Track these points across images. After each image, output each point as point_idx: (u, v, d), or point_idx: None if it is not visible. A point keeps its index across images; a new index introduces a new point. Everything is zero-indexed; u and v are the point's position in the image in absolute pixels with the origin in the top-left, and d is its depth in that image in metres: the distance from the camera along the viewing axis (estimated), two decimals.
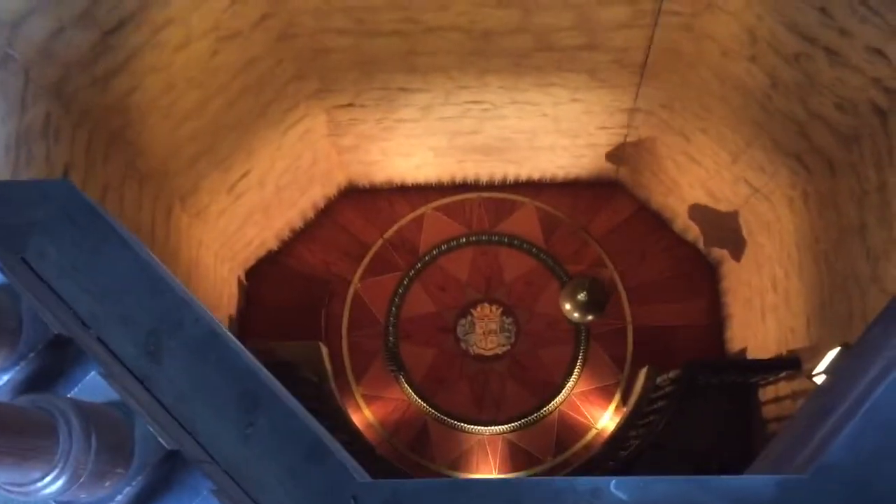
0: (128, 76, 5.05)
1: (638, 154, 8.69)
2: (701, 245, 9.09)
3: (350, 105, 7.64)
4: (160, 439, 1.75)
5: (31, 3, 3.95)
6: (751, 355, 8.00)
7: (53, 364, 1.77)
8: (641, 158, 8.73)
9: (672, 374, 7.58)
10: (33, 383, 1.74)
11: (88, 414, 1.59)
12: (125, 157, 5.60)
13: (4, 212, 1.97)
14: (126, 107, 5.27)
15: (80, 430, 1.52)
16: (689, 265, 9.25)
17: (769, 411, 7.51)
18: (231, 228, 7.97)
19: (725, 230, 8.37)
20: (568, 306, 8.15)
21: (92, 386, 1.77)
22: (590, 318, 8.42)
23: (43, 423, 1.50)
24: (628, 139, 8.46)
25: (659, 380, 7.82)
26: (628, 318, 9.08)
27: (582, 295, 7.72)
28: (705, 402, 7.71)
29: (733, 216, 8.07)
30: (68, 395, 1.73)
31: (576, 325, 8.98)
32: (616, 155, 8.89)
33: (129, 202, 5.77)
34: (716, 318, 9.03)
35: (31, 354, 1.75)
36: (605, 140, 8.56)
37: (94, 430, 1.56)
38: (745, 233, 8.09)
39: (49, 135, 4.53)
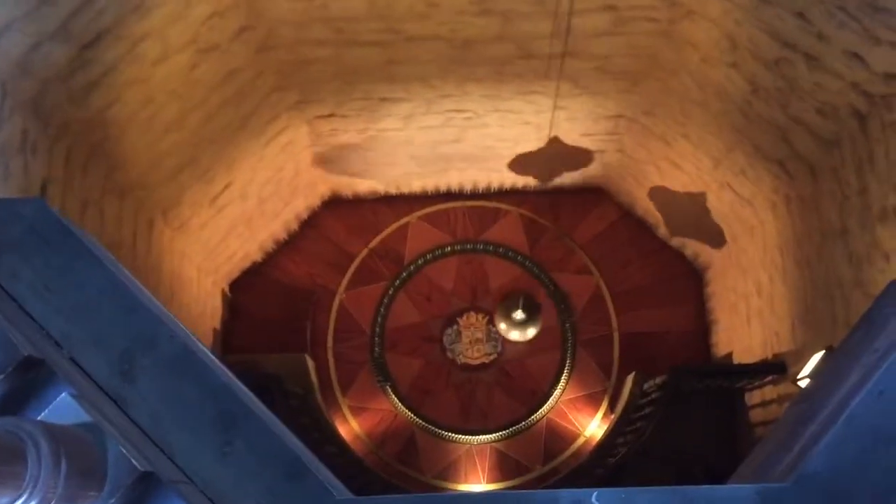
0: (106, 90, 5.01)
1: (621, 160, 8.71)
2: (687, 253, 9.12)
3: (331, 115, 7.63)
4: (133, 461, 1.72)
5: (7, 19, 3.92)
6: (737, 360, 8.03)
7: (23, 386, 1.74)
8: (625, 165, 8.75)
9: (658, 380, 7.59)
10: (2, 406, 1.71)
11: (58, 437, 1.56)
12: (105, 170, 5.56)
13: None
14: (105, 120, 5.23)
15: (49, 454, 1.49)
16: (674, 270, 9.27)
17: (756, 415, 7.53)
18: (214, 241, 7.92)
19: (709, 236, 8.40)
20: (504, 326, 8.03)
21: (63, 407, 1.74)
22: (531, 334, 8.30)
23: (11, 447, 1.47)
24: (612, 145, 8.48)
25: (646, 386, 7.83)
26: (614, 325, 9.09)
27: (517, 314, 7.60)
28: (692, 407, 7.72)
29: (718, 224, 8.09)
30: (38, 418, 1.70)
31: (562, 333, 8.98)
32: (600, 161, 8.91)
33: (109, 216, 5.72)
34: (701, 324, 9.06)
35: (1, 376, 1.71)
36: (589, 147, 8.58)
37: (64, 453, 1.53)
38: (728, 239, 8.12)
39: (27, 149, 4.49)
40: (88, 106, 4.97)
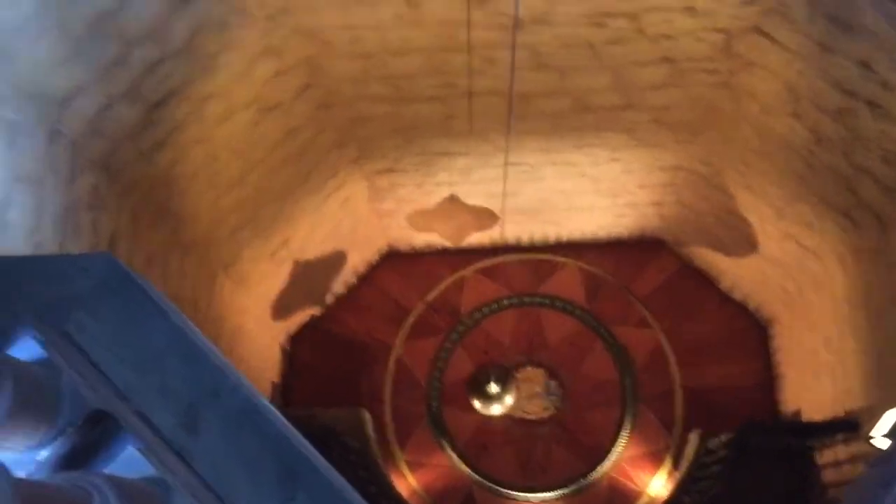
0: (172, 148, 5.16)
1: (680, 212, 8.60)
2: (751, 305, 8.90)
3: (390, 170, 7.72)
4: None
5: (79, 81, 4.08)
6: (806, 417, 7.73)
7: (91, 439, 1.75)
8: (683, 216, 8.64)
9: (724, 438, 7.34)
10: (71, 459, 1.72)
11: (125, 491, 1.56)
12: (170, 226, 5.69)
13: (47, 287, 1.98)
14: (170, 178, 5.38)
15: None
16: (737, 324, 9.05)
17: (828, 476, 7.20)
18: (273, 295, 8.02)
19: (776, 290, 8.18)
20: (479, 404, 7.72)
21: (130, 461, 1.74)
22: (509, 402, 7.92)
23: (79, 501, 1.47)
24: (669, 197, 8.39)
25: (711, 444, 7.58)
26: (676, 380, 8.87)
27: (490, 386, 7.33)
28: (760, 466, 7.44)
29: (785, 278, 7.88)
30: (105, 471, 1.70)
31: (623, 388, 8.79)
32: (658, 213, 8.81)
33: (173, 271, 5.84)
34: (767, 379, 8.77)
35: (70, 429, 1.73)
36: (646, 199, 8.50)
37: None
38: (795, 293, 7.89)
39: (96, 206, 4.62)
40: (155, 164, 5.12)
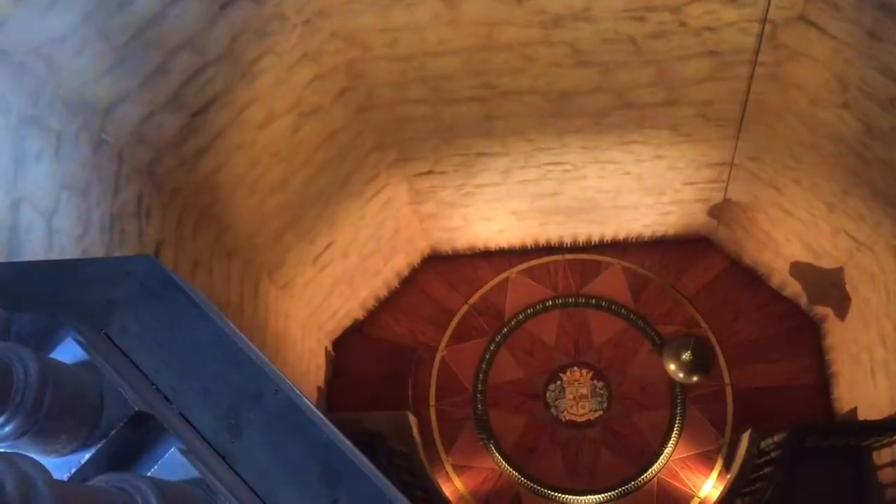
0: (214, 154, 5.21)
1: (727, 208, 8.43)
2: (803, 302, 8.69)
3: (430, 172, 7.70)
4: None
5: (122, 90, 4.13)
6: (862, 416, 7.51)
7: (134, 441, 1.74)
8: (731, 213, 8.47)
9: (777, 438, 7.15)
10: (114, 461, 1.71)
11: (167, 494, 1.54)
12: (213, 232, 5.74)
13: (89, 289, 1.99)
14: (213, 184, 5.43)
15: None
16: (788, 322, 8.83)
17: (886, 476, 6.99)
18: (317, 299, 8.05)
19: (828, 286, 7.97)
20: (672, 366, 7.74)
21: (172, 463, 1.72)
22: (695, 379, 7.98)
23: (121, 503, 1.46)
24: (716, 194, 8.24)
25: (763, 444, 7.40)
26: (726, 380, 8.69)
27: (686, 355, 7.32)
28: (815, 466, 7.24)
29: (837, 272, 7.68)
30: (148, 474, 1.69)
31: (671, 388, 8.64)
32: (704, 210, 8.66)
33: (217, 277, 5.89)
34: (821, 378, 8.55)
35: (112, 432, 1.72)
36: (692, 196, 8.35)
37: None
38: (848, 288, 7.68)
39: (141, 214, 4.68)
40: (198, 170, 5.17)
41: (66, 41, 3.60)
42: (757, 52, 5.65)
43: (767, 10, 5.16)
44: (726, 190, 8.05)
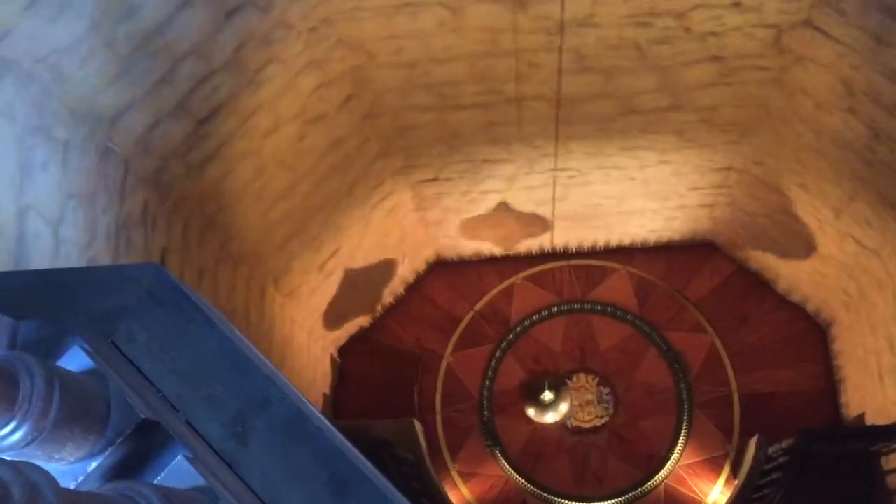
0: (221, 163, 5.21)
1: (733, 213, 8.42)
2: (809, 308, 8.66)
3: (435, 179, 7.70)
4: None
5: (128, 99, 4.14)
6: (870, 421, 7.48)
7: (140, 449, 1.74)
8: (737, 218, 8.45)
9: (785, 444, 7.13)
10: (121, 469, 1.71)
11: (173, 500, 1.54)
12: (219, 240, 5.75)
13: (95, 297, 1.99)
14: (219, 192, 5.43)
15: None
16: (795, 327, 8.81)
17: (895, 481, 6.96)
18: (323, 306, 8.05)
19: (834, 291, 7.95)
20: (533, 413, 7.56)
21: (178, 471, 1.72)
22: (563, 409, 7.74)
23: None
24: (721, 199, 8.22)
25: (771, 450, 7.37)
26: (733, 385, 8.67)
27: (546, 395, 7.20)
28: (824, 472, 7.21)
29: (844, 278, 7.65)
30: (154, 482, 1.69)
31: (678, 394, 8.62)
32: (710, 215, 8.64)
33: (223, 285, 5.90)
34: (828, 383, 8.52)
35: (119, 440, 1.72)
36: (698, 201, 8.34)
37: None
38: (856, 293, 7.65)
39: (147, 222, 4.69)
40: (204, 178, 5.17)
41: (73, 50, 3.61)
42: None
43: None
44: (731, 194, 8.03)
